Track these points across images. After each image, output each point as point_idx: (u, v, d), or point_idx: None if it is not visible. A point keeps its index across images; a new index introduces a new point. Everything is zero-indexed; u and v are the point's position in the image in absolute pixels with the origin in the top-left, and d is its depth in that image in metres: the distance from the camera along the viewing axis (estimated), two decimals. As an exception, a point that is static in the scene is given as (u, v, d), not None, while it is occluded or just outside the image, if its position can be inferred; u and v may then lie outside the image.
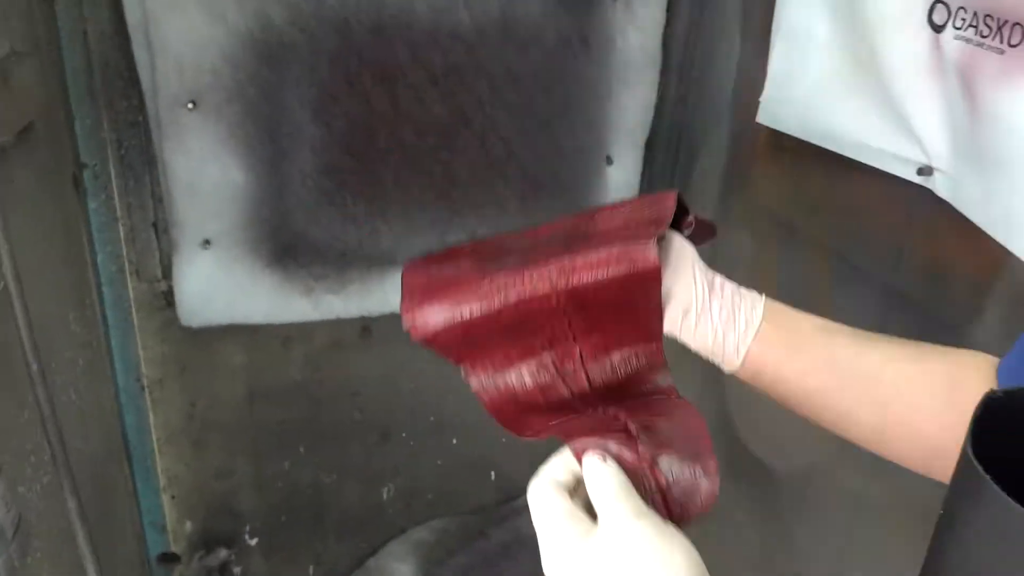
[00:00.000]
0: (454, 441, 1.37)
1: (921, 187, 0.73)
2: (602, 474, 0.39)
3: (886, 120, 0.75)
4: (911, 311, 0.77)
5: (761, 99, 0.92)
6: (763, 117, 0.96)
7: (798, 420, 0.96)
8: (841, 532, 0.86)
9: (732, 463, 1.09)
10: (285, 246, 1.08)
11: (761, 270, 1.01)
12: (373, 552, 1.42)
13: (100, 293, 1.07)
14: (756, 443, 1.04)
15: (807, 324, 0.49)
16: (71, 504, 0.60)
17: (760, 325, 0.48)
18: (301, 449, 1.30)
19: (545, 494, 0.39)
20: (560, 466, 0.41)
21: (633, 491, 0.39)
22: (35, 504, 0.80)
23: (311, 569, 1.42)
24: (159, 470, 1.24)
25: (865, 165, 0.80)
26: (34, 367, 0.55)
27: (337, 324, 1.18)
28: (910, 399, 0.45)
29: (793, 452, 0.95)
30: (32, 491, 0.79)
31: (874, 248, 0.80)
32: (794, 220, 0.92)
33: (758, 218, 1.01)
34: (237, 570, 1.35)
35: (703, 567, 0.36)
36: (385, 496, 1.40)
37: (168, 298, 1.11)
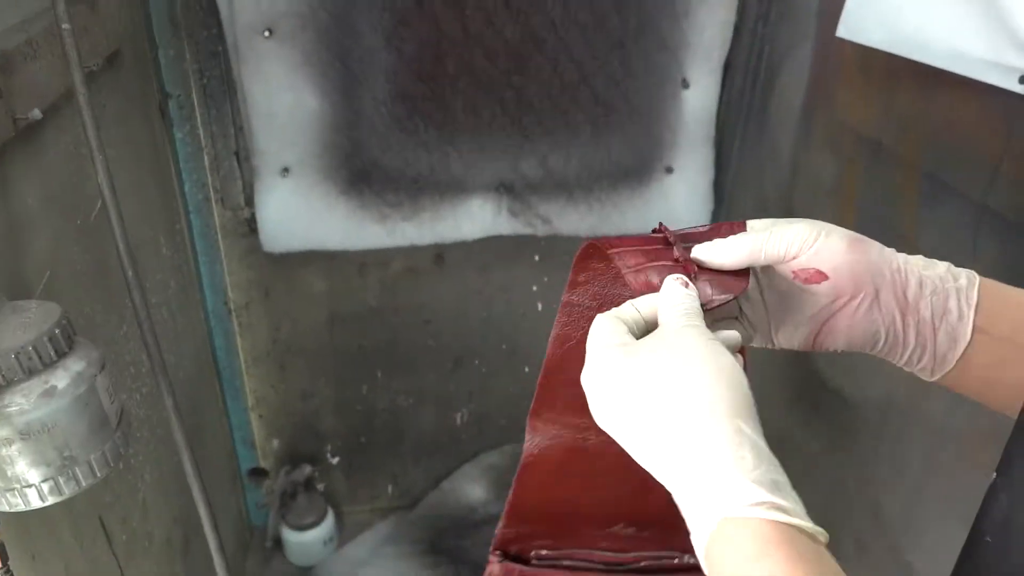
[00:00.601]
0: (526, 369, 1.39)
1: (1022, 97, 0.68)
2: (679, 295, 0.39)
3: (985, 23, 0.70)
4: (1005, 232, 0.73)
5: (843, 11, 0.87)
6: (845, 31, 0.91)
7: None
8: (919, 463, 0.84)
9: (808, 393, 1.07)
10: (359, 173, 1.10)
11: (842, 191, 0.97)
12: (447, 474, 1.47)
13: (188, 220, 1.12)
14: (832, 373, 1.01)
15: None
16: (170, 408, 0.64)
17: (972, 337, 0.40)
18: (379, 374, 1.35)
19: (605, 321, 0.39)
20: (627, 307, 0.41)
21: (702, 316, 0.39)
22: (136, 412, 0.86)
23: (389, 488, 1.48)
24: (247, 390, 1.31)
25: (960, 77, 0.74)
26: (131, 276, 0.59)
27: (411, 251, 1.21)
28: None
29: (870, 381, 0.92)
30: (132, 399, 0.86)
31: (967, 165, 0.75)
32: (881, 139, 0.88)
33: (841, 138, 0.96)
34: (321, 486, 1.42)
35: (747, 385, 0.34)
36: (459, 421, 1.44)
37: (251, 225, 1.16)
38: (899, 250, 0.42)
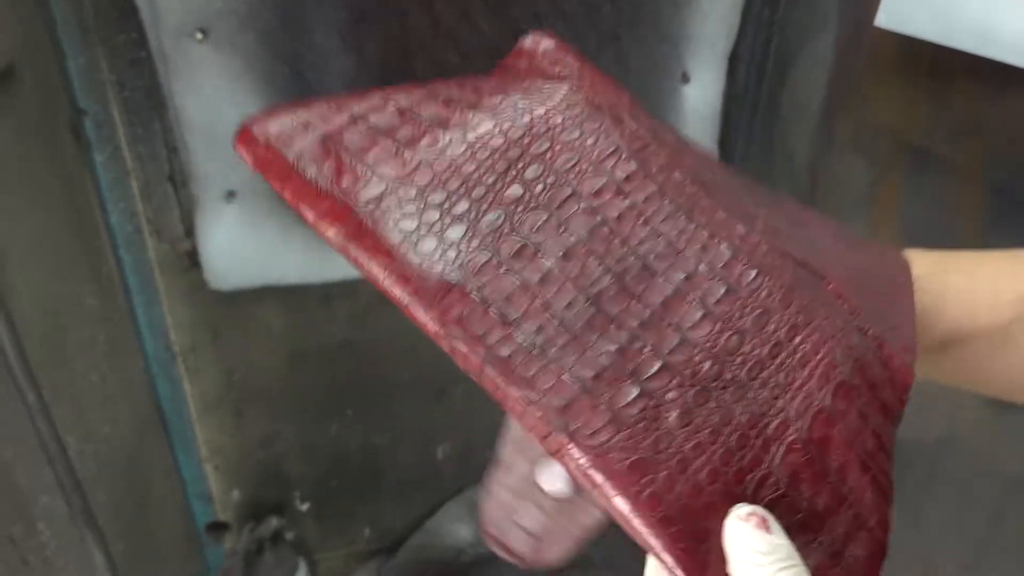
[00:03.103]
0: (513, 396, 1.26)
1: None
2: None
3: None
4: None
5: (887, -5, 0.75)
6: (887, 19, 0.79)
7: (927, 384, 0.82)
8: (983, 517, 0.74)
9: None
10: (319, 196, 0.95)
11: (879, 201, 0.85)
12: (430, 513, 1.34)
13: (117, 258, 0.95)
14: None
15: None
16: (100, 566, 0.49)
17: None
18: (349, 412, 1.21)
19: None
20: None
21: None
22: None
23: (366, 531, 1.35)
24: (200, 441, 1.16)
25: (1039, 74, 0.63)
26: (32, 400, 0.43)
27: (381, 278, 1.06)
28: None
29: (925, 418, 0.82)
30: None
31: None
32: (931, 145, 0.76)
33: (876, 142, 0.84)
34: (290, 535, 1.28)
35: None
36: (440, 455, 1.31)
37: (193, 258, 0.99)
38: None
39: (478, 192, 0.28)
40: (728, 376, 0.26)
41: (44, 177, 0.76)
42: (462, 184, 0.28)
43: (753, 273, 0.28)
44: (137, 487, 0.96)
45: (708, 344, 0.27)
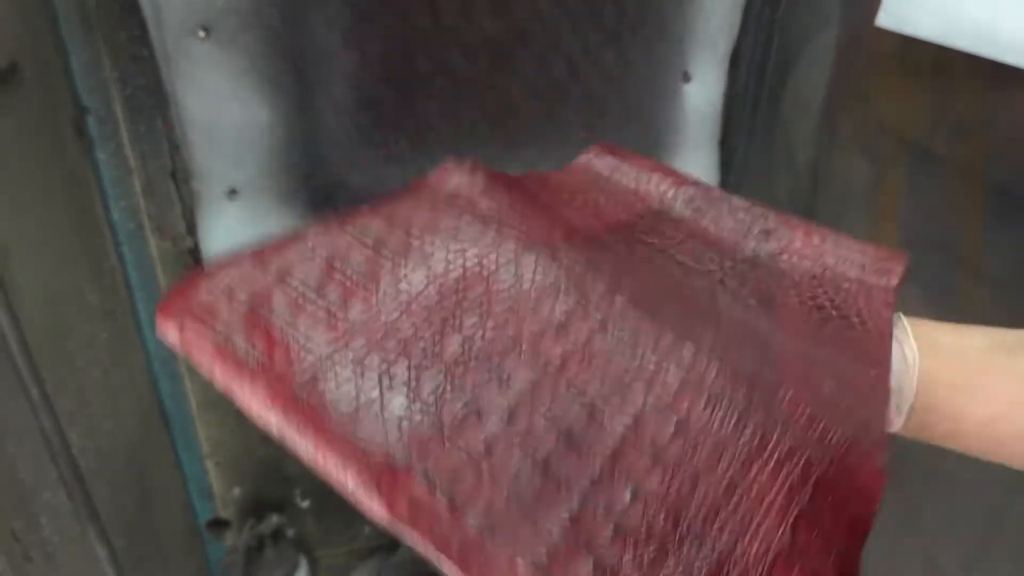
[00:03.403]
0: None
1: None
2: None
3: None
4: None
5: (887, -6, 0.75)
6: (887, 19, 0.79)
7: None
8: (985, 515, 0.74)
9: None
10: (321, 194, 0.95)
11: (879, 202, 0.85)
12: (431, 509, 1.34)
13: (119, 254, 0.95)
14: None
15: (973, 347, 0.33)
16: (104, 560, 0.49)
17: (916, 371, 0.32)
18: (350, 409, 1.21)
19: None
20: None
21: None
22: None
23: (366, 529, 1.35)
24: (201, 437, 1.16)
25: (1040, 75, 0.63)
26: (35, 394, 0.44)
27: (382, 276, 1.06)
28: None
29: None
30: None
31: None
32: (932, 145, 0.76)
33: (878, 142, 0.84)
34: (291, 532, 1.28)
35: None
36: (441, 452, 1.31)
37: (195, 256, 0.99)
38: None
39: (416, 352, 0.27)
40: (685, 527, 0.25)
41: (46, 174, 0.76)
42: (399, 345, 0.27)
43: (702, 403, 0.26)
44: (139, 483, 0.96)
45: (662, 494, 0.25)
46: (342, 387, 0.26)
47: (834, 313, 0.33)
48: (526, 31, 0.93)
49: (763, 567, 0.25)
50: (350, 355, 0.27)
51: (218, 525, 1.24)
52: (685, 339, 0.27)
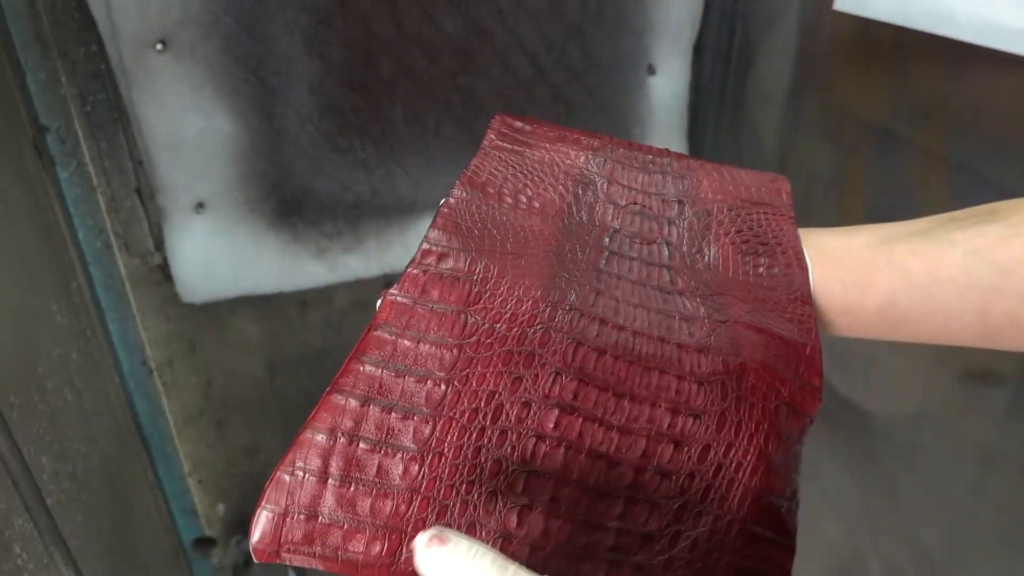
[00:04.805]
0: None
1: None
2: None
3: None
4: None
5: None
6: (843, 3, 0.80)
7: (897, 359, 0.82)
8: (965, 489, 0.74)
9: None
10: (289, 203, 0.94)
11: (846, 183, 0.86)
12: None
13: (87, 274, 0.94)
14: (844, 382, 0.91)
15: (857, 245, 0.36)
16: None
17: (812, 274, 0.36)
18: (331, 419, 1.20)
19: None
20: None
21: None
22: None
23: (355, 538, 1.34)
24: (181, 455, 1.14)
25: (995, 52, 0.63)
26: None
27: (358, 282, 1.06)
28: (1016, 288, 0.33)
29: (893, 395, 0.82)
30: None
31: (1015, 158, 0.65)
32: (892, 126, 0.77)
33: (842, 126, 0.85)
34: (278, 547, 1.27)
35: None
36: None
37: (165, 272, 0.98)
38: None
39: (453, 501, 0.29)
40: (688, 501, 0.29)
41: (8, 196, 0.75)
42: (445, 499, 0.29)
43: (691, 422, 0.30)
44: (117, 505, 0.95)
45: (672, 491, 0.29)
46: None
47: (759, 245, 0.36)
48: (488, 31, 0.93)
49: (746, 502, 0.30)
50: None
51: (204, 544, 1.23)
52: (667, 368, 0.31)
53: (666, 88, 1.03)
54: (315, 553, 0.28)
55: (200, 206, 0.92)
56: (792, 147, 0.95)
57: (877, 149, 0.80)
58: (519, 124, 0.40)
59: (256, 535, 0.28)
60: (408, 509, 0.29)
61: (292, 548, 0.28)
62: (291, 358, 1.12)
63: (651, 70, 1.02)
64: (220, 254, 0.94)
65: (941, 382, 0.75)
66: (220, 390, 1.11)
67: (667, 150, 0.40)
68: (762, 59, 0.97)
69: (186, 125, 0.86)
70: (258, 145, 0.89)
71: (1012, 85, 0.64)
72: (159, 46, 0.82)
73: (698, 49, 1.03)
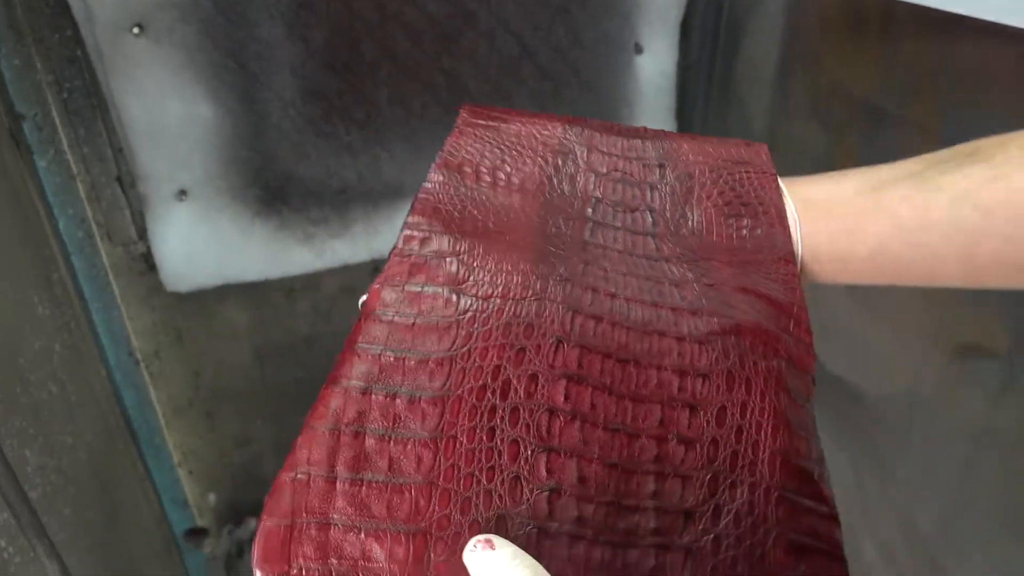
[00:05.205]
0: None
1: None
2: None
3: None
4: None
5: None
6: (832, -24, 0.79)
7: (888, 335, 0.82)
8: (958, 466, 0.74)
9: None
10: (274, 189, 0.92)
11: (838, 161, 0.85)
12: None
13: (69, 264, 0.93)
14: (836, 361, 0.91)
15: (845, 193, 0.37)
16: None
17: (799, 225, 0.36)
18: (322, 407, 1.19)
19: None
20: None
21: None
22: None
23: (348, 526, 1.34)
24: (170, 446, 1.13)
25: (986, 23, 0.63)
26: None
27: (346, 268, 1.04)
28: (1001, 230, 0.34)
29: (885, 373, 0.82)
30: None
31: (1002, 127, 0.64)
32: (883, 102, 0.76)
33: (831, 103, 0.84)
34: (271, 536, 1.26)
35: None
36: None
37: (149, 261, 0.97)
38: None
39: (475, 491, 0.28)
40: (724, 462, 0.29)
41: (-18, 185, 0.74)
42: (466, 491, 0.27)
43: (701, 383, 0.29)
44: (107, 497, 0.94)
45: (699, 463, 0.28)
46: None
47: (741, 207, 0.36)
48: (472, 11, 0.91)
49: (776, 465, 0.29)
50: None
51: (195, 534, 1.22)
52: (668, 370, 0.30)
53: (654, 67, 1.02)
54: (331, 569, 0.25)
55: (183, 194, 0.90)
56: (781, 126, 0.94)
57: (867, 125, 0.79)
58: (489, 111, 0.39)
59: (259, 552, 0.26)
60: (428, 505, 0.26)
61: (304, 565, 0.25)
62: (280, 346, 1.11)
63: (638, 49, 1.01)
64: (204, 242, 0.93)
65: (933, 359, 0.75)
66: (209, 379, 1.10)
67: (645, 128, 0.39)
68: (749, 38, 0.96)
69: (166, 111, 0.85)
70: (240, 131, 0.88)
71: (1001, 55, 0.63)
72: (136, 30, 0.80)
73: (685, 28, 1.01)
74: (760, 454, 0.29)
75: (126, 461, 1.05)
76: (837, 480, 0.94)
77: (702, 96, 1.06)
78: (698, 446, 0.28)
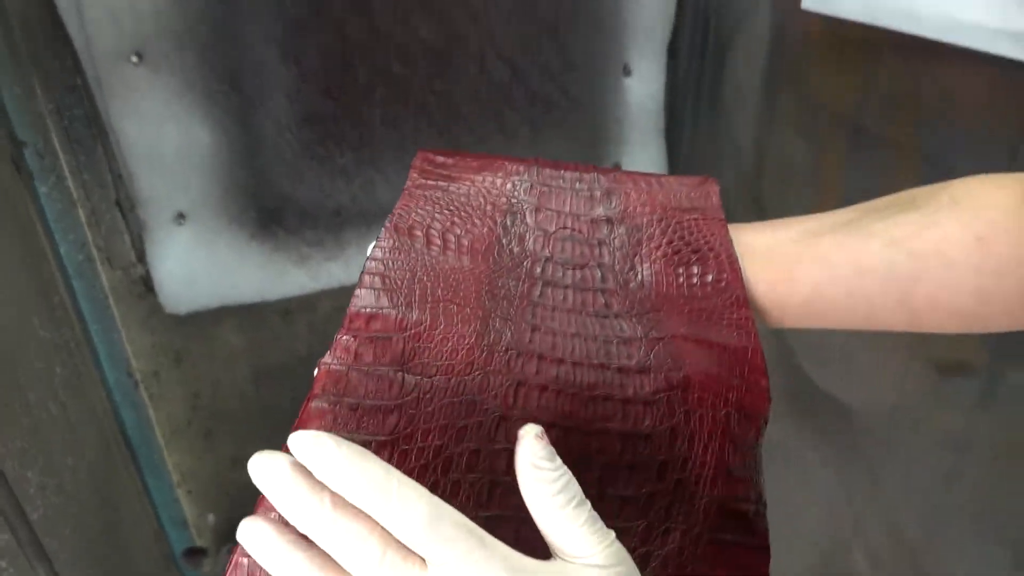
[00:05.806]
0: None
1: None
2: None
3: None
4: None
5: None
6: (811, 1, 0.81)
7: (872, 350, 0.84)
8: (941, 477, 0.75)
9: (794, 397, 0.98)
10: (270, 212, 0.94)
11: (822, 177, 0.87)
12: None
13: (69, 287, 0.94)
14: (822, 375, 0.92)
15: (784, 241, 0.37)
16: None
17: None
18: (319, 425, 1.20)
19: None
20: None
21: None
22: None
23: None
24: (169, 466, 1.14)
25: (958, 48, 0.65)
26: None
27: (341, 289, 1.06)
28: (934, 276, 0.35)
29: (870, 388, 0.83)
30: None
31: (981, 149, 0.66)
32: (864, 120, 0.78)
33: (814, 121, 0.86)
34: (269, 554, 1.27)
35: None
36: (415, 461, 1.31)
37: (148, 283, 0.98)
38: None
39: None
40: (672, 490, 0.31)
41: (-16, 211, 0.75)
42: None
43: (652, 435, 0.31)
44: (106, 517, 0.95)
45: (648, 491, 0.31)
46: None
47: (691, 254, 0.37)
48: (463, 35, 0.93)
49: (711, 512, 0.31)
50: None
51: (194, 554, 1.23)
52: (618, 421, 0.31)
53: (642, 89, 1.04)
54: None
55: (181, 217, 0.92)
56: (768, 145, 0.96)
57: (850, 144, 0.81)
58: (440, 159, 0.39)
59: None
60: None
61: None
62: (276, 366, 1.12)
63: (627, 71, 1.03)
64: (202, 265, 0.94)
65: (915, 374, 0.76)
66: (207, 400, 1.11)
67: (593, 166, 0.40)
68: (735, 59, 0.99)
69: (164, 137, 0.87)
70: (237, 155, 0.90)
71: (976, 79, 0.65)
72: (135, 58, 0.82)
73: (672, 50, 1.04)
74: (696, 504, 0.30)
75: (126, 481, 1.06)
76: (825, 491, 0.96)
77: (690, 116, 1.08)
78: (635, 502, 0.30)
